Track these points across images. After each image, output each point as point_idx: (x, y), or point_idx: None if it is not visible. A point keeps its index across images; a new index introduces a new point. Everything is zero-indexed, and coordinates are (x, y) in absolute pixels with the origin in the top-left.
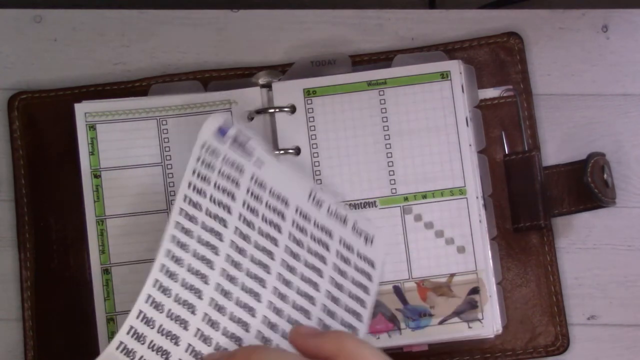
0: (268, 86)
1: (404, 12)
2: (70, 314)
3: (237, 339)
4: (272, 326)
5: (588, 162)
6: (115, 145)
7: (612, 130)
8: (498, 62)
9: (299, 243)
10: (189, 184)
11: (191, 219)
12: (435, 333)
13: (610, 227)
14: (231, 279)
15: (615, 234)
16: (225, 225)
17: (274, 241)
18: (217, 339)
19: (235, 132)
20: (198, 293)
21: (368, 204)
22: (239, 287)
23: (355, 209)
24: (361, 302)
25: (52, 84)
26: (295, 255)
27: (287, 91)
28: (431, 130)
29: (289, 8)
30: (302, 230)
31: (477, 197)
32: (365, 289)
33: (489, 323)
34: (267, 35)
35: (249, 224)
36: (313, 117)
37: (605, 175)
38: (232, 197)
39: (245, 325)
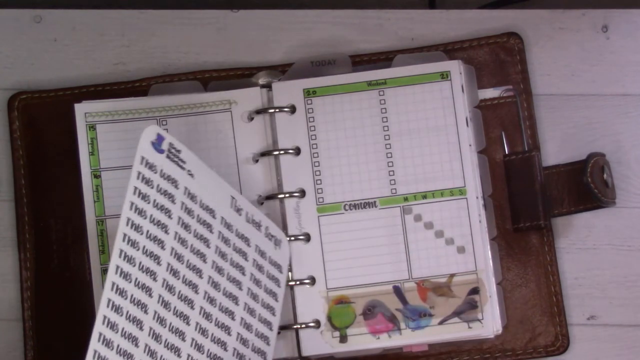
0: (268, 86)
1: (404, 12)
2: (70, 314)
3: None
4: (199, 347)
5: (588, 162)
6: (115, 145)
7: (612, 130)
8: (498, 62)
9: (223, 257)
10: (131, 205)
11: (133, 244)
12: (435, 333)
13: (610, 227)
14: (166, 305)
15: (615, 234)
16: (162, 247)
17: (203, 257)
18: None
19: (169, 143)
20: (140, 324)
21: (368, 204)
22: (171, 312)
23: (356, 209)
24: (272, 310)
25: (52, 84)
26: (220, 270)
27: (287, 91)
28: (431, 131)
29: (289, 8)
30: (226, 242)
31: (477, 197)
32: (274, 295)
33: (489, 323)
34: (267, 35)
35: (183, 242)
36: (313, 117)
37: (605, 176)
38: (169, 215)
39: (177, 351)
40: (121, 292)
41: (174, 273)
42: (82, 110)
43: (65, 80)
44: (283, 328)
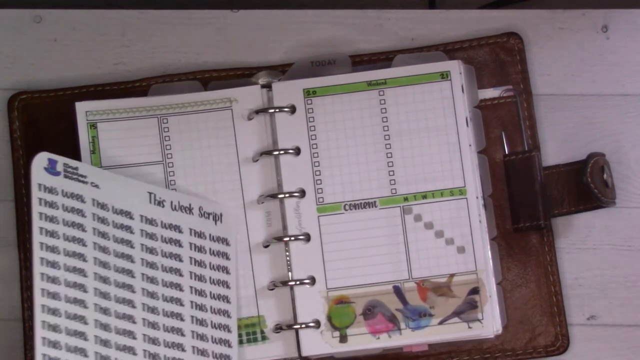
0: (268, 86)
1: (404, 12)
2: None
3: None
4: (153, 340)
5: (588, 162)
6: (116, 143)
7: (612, 131)
8: (498, 62)
9: (152, 251)
10: (40, 230)
11: (53, 265)
12: (435, 333)
13: (610, 227)
14: (105, 311)
15: (615, 234)
16: (84, 260)
17: (130, 258)
18: None
19: (63, 164)
20: (82, 335)
21: (368, 204)
22: (113, 316)
23: (356, 209)
24: (224, 284)
25: (52, 84)
26: (152, 265)
27: (287, 91)
28: (431, 131)
29: (289, 8)
30: (152, 237)
31: (477, 197)
32: (224, 269)
33: (489, 323)
34: (267, 35)
35: (104, 249)
36: (313, 117)
37: (605, 176)
38: (82, 228)
39: (132, 350)
40: (53, 312)
41: (104, 280)
42: (83, 108)
43: (65, 80)
44: (283, 328)
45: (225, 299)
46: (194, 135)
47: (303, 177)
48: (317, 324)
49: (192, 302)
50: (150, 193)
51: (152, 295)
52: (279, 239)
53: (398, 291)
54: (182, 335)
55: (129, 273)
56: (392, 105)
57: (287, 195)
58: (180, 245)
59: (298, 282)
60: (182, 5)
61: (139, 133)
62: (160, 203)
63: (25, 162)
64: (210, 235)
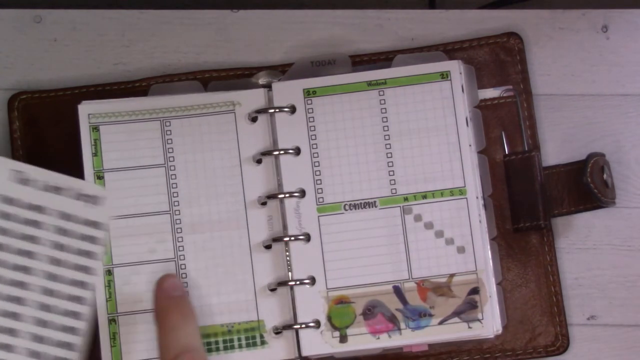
0: (268, 86)
1: (404, 12)
2: None
3: None
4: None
5: (587, 162)
6: (119, 146)
7: (612, 131)
8: (498, 62)
9: (4, 232)
10: None
11: None
12: (435, 333)
13: (610, 227)
14: None
15: (615, 234)
16: None
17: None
18: None
19: None
20: None
21: (368, 204)
22: None
23: (356, 209)
24: (86, 269)
25: (52, 84)
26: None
27: (287, 91)
28: (431, 131)
29: (289, 8)
30: (5, 217)
31: (477, 197)
32: (89, 254)
33: (489, 323)
34: (267, 35)
35: None
36: (313, 117)
37: (604, 176)
38: None
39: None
40: None
41: None
42: (86, 111)
43: (65, 80)
44: (283, 328)
45: (83, 284)
46: (197, 138)
47: (303, 177)
48: (317, 324)
49: (41, 287)
50: (14, 170)
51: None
52: (279, 239)
53: (398, 291)
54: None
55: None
56: (392, 105)
57: (287, 195)
58: (38, 227)
59: (298, 282)
60: (182, 5)
61: (141, 136)
62: (25, 182)
63: (25, 162)
64: (80, 218)
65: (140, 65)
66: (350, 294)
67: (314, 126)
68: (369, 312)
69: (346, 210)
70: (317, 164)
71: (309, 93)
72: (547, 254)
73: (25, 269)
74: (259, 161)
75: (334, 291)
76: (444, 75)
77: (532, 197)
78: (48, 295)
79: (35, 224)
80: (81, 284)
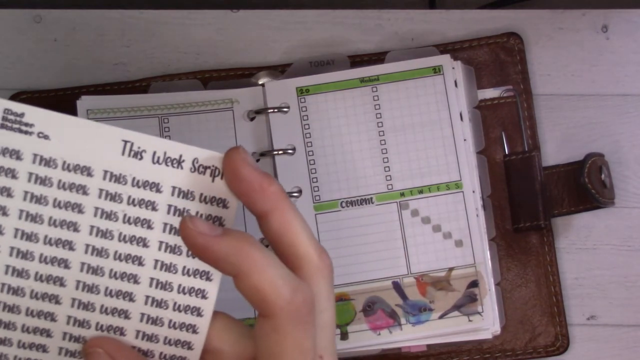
0: None
1: (404, 12)
2: None
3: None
4: (81, 323)
5: (585, 162)
6: None
7: (612, 131)
8: (498, 62)
9: (110, 217)
10: None
11: None
12: (435, 327)
13: (610, 227)
14: (15, 292)
15: (615, 234)
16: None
17: (73, 227)
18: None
19: (3, 109)
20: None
21: (364, 200)
22: (27, 296)
23: (352, 206)
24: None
25: (52, 84)
26: (105, 234)
27: (280, 90)
28: (425, 125)
29: (289, 8)
30: (113, 198)
31: (473, 191)
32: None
33: (489, 316)
34: (267, 35)
35: (35, 218)
36: (307, 115)
37: (603, 176)
38: (8, 193)
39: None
40: None
41: (24, 255)
42: (84, 107)
43: (65, 80)
44: None
45: (207, 274)
46: (195, 135)
47: (299, 176)
48: None
49: (151, 279)
50: (125, 141)
51: (95, 271)
52: None
53: (397, 287)
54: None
55: (68, 245)
56: (385, 101)
57: None
58: (154, 209)
59: None
60: (182, 5)
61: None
62: (138, 154)
63: None
64: (201, 196)
65: (140, 65)
66: (349, 291)
67: (308, 124)
68: (369, 308)
69: (343, 207)
70: (312, 162)
71: (302, 91)
72: (547, 254)
73: (137, 259)
74: (257, 160)
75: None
76: (437, 70)
77: (532, 197)
78: (163, 290)
79: (148, 204)
80: (204, 273)
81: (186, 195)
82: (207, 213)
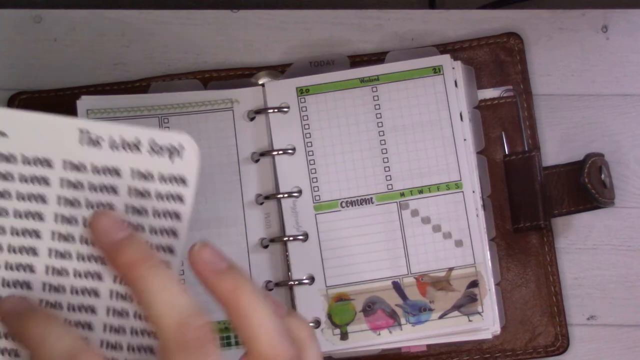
0: None
1: (404, 12)
2: None
3: None
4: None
5: (585, 162)
6: None
7: (612, 131)
8: (498, 62)
9: (73, 204)
10: None
11: None
12: (435, 327)
13: (610, 227)
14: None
15: (615, 234)
16: None
17: (38, 217)
18: None
19: None
20: None
21: (364, 200)
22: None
23: (352, 206)
24: (173, 233)
25: (52, 84)
26: (70, 220)
27: (280, 90)
28: (425, 125)
29: (289, 8)
30: (75, 186)
31: (473, 191)
32: (175, 215)
33: (489, 316)
34: (267, 35)
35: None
36: (307, 115)
37: (602, 176)
38: None
39: None
40: None
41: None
42: (84, 106)
43: (65, 80)
44: None
45: (170, 248)
46: (195, 135)
47: (299, 176)
48: (317, 323)
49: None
50: (81, 131)
51: (63, 255)
52: (277, 239)
53: (397, 287)
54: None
55: (34, 234)
56: (385, 101)
57: (284, 195)
58: (115, 193)
59: (297, 282)
60: (182, 5)
61: None
62: (95, 142)
63: None
64: (161, 175)
65: (140, 65)
66: (349, 291)
67: (308, 124)
68: (369, 308)
69: (343, 207)
70: (312, 162)
71: (302, 91)
72: (547, 254)
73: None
74: (257, 160)
75: (334, 289)
76: (437, 70)
77: (532, 197)
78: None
79: (108, 189)
80: (168, 249)
81: (145, 176)
82: (167, 192)
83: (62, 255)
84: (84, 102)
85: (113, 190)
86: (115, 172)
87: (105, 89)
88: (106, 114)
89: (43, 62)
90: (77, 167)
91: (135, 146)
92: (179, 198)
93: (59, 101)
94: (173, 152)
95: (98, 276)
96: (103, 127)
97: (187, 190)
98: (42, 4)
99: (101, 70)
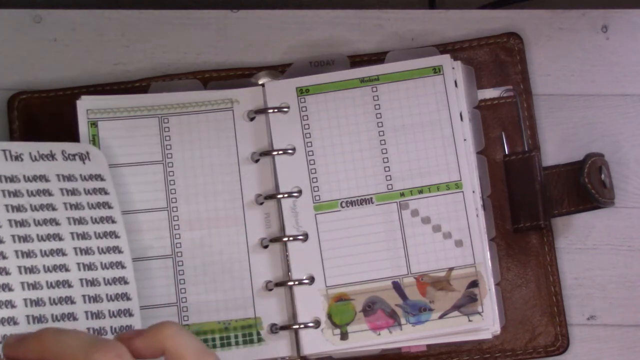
0: None
1: (404, 12)
2: None
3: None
4: (36, 302)
5: (585, 162)
6: (117, 142)
7: (612, 131)
8: (498, 62)
9: (19, 209)
10: None
11: None
12: (435, 327)
13: (610, 227)
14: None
15: (615, 234)
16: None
17: None
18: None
19: None
20: None
21: (364, 200)
22: None
23: (352, 206)
24: (110, 220)
25: (52, 84)
26: (23, 223)
27: (280, 90)
28: (425, 125)
29: (289, 8)
30: (16, 194)
31: (473, 191)
32: (105, 204)
33: (489, 316)
34: (267, 35)
35: None
36: (307, 115)
37: (602, 176)
38: None
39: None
40: None
41: None
42: (84, 107)
43: (65, 80)
44: (283, 328)
45: (114, 234)
46: (195, 135)
47: (299, 176)
48: (317, 323)
49: (75, 248)
50: (3, 150)
51: (29, 254)
52: (277, 239)
53: (397, 287)
54: (70, 286)
55: None
56: (385, 101)
57: (284, 195)
58: (50, 194)
59: (297, 282)
60: (182, 5)
61: (139, 132)
62: (17, 158)
63: None
64: (81, 175)
65: (140, 65)
66: (349, 291)
67: (308, 124)
68: (369, 308)
69: (343, 207)
70: (312, 162)
71: (302, 91)
72: (547, 254)
73: (57, 236)
74: (257, 160)
75: (334, 289)
76: (437, 70)
77: (532, 197)
78: (86, 255)
79: (45, 192)
80: (111, 234)
81: (69, 178)
82: (92, 187)
83: (28, 254)
84: (84, 102)
85: (49, 192)
86: (44, 178)
87: (105, 89)
88: (106, 114)
89: (43, 62)
90: (12, 179)
91: (51, 156)
92: (104, 191)
93: (59, 101)
94: (82, 157)
95: (64, 267)
96: (20, 146)
97: (106, 183)
98: (42, 4)
99: (101, 70)
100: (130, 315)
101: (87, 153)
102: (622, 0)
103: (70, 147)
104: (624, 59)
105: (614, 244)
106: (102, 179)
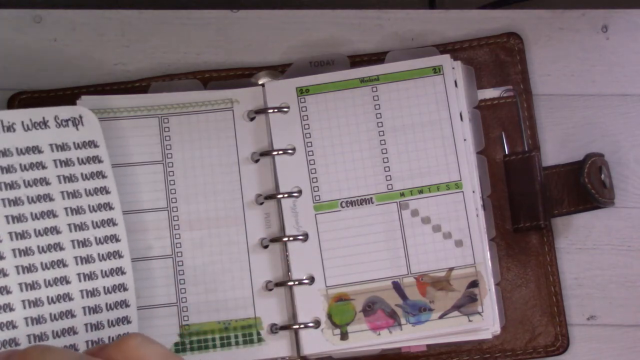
0: None
1: (404, 12)
2: None
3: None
4: (32, 286)
5: (585, 162)
6: (117, 142)
7: (612, 131)
8: (498, 63)
9: (12, 186)
10: None
11: None
12: (435, 327)
13: (610, 227)
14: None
15: (615, 234)
16: None
17: None
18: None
19: None
20: None
21: (364, 200)
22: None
23: (352, 206)
24: (105, 190)
25: (52, 84)
26: (15, 202)
27: (280, 90)
28: (425, 125)
29: (289, 8)
30: (9, 170)
31: (473, 191)
32: (99, 174)
33: (489, 316)
34: (267, 35)
35: None
36: (307, 115)
37: (602, 176)
38: None
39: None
40: None
41: None
42: (85, 106)
43: (65, 80)
44: (283, 328)
45: (108, 206)
46: (195, 135)
47: (299, 176)
48: (317, 323)
49: (69, 224)
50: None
51: (23, 235)
52: (277, 239)
53: (397, 287)
54: (65, 265)
55: None
56: (385, 101)
57: (284, 195)
58: (43, 167)
59: (297, 282)
60: (182, 5)
61: (139, 132)
62: (10, 128)
63: None
64: (75, 143)
65: (140, 65)
66: (349, 291)
67: (308, 124)
68: (369, 308)
69: (343, 207)
70: (312, 162)
71: (302, 91)
72: (547, 254)
73: (51, 213)
74: (257, 160)
75: (334, 289)
76: (437, 70)
77: (532, 197)
78: (81, 230)
79: (36, 165)
80: (106, 206)
81: (62, 147)
82: (85, 156)
83: (22, 236)
84: (84, 102)
85: (42, 165)
86: (37, 149)
87: (105, 89)
88: (106, 114)
89: (43, 62)
90: (4, 153)
91: (44, 124)
92: (98, 159)
93: (59, 101)
94: (76, 122)
95: (58, 245)
96: (12, 114)
97: (100, 150)
98: (42, 4)
99: (101, 70)
100: (128, 322)
101: (80, 117)
102: (622, 0)
103: (63, 111)
104: (624, 59)
105: (614, 244)
106: (95, 146)
